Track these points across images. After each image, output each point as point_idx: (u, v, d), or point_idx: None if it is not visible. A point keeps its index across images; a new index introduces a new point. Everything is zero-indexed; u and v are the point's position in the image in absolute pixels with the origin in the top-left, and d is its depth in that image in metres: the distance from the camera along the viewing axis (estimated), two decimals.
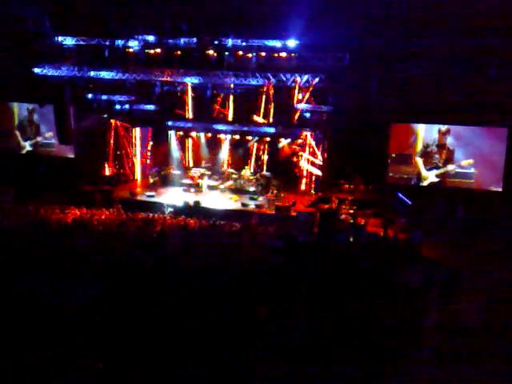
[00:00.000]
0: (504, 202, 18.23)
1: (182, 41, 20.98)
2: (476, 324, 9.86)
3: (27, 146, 24.00)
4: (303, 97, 20.46)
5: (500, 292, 11.14)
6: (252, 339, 8.68)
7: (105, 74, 21.63)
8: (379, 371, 8.14)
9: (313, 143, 20.78)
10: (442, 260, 13.16)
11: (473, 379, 8.14)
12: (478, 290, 11.27)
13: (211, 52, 20.57)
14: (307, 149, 20.92)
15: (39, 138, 23.73)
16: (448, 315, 10.48)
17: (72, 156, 23.11)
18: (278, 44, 20.22)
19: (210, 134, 22.62)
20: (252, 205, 18.85)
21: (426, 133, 19.69)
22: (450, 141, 19.36)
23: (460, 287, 11.19)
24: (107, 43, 21.44)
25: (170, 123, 23.01)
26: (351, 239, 14.67)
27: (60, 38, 21.84)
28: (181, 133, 23.11)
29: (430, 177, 19.69)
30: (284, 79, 20.12)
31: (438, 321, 10.36)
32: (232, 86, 21.62)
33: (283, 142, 21.61)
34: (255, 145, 22.25)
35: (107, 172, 22.91)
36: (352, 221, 17.13)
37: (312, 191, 20.81)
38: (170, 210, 18.17)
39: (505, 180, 18.86)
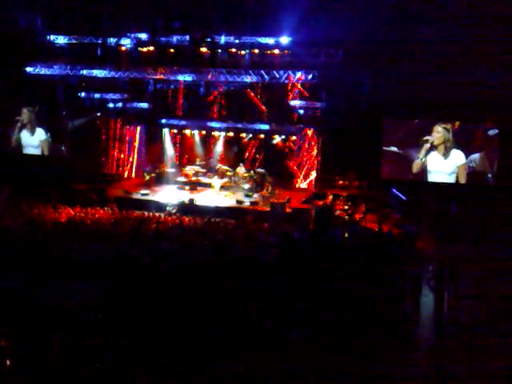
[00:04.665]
0: (497, 195, 18.33)
1: (175, 38, 20.97)
2: (469, 316, 9.95)
3: (22, 146, 23.79)
4: (297, 93, 20.48)
5: (494, 285, 11.24)
6: (249, 335, 8.71)
7: (97, 73, 21.55)
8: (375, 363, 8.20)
9: None
10: (436, 254, 13.24)
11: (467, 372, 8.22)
12: (471, 283, 11.36)
13: (204, 49, 20.55)
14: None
15: (34, 138, 23.55)
16: (442, 308, 10.58)
17: (66, 155, 23.00)
18: (270, 41, 20.24)
19: (204, 132, 22.62)
20: (247, 202, 18.86)
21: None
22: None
23: (454, 281, 11.26)
24: (99, 41, 21.39)
25: (163, 121, 22.98)
26: (346, 235, 14.72)
27: (52, 37, 21.75)
28: (175, 130, 23.11)
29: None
30: (277, 76, 20.13)
31: (432, 313, 10.46)
32: (225, 83, 21.65)
33: (277, 139, 21.64)
34: (249, 142, 22.29)
35: (101, 170, 22.83)
36: (347, 217, 17.18)
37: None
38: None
39: (498, 174, 18.96)
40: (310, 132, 20.57)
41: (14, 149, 23.57)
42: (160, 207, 18.33)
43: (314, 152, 20.66)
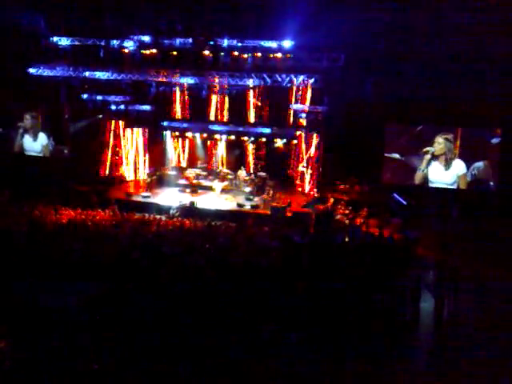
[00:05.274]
0: (498, 200, 18.33)
1: (178, 41, 21.00)
2: (469, 322, 9.94)
3: (24, 151, 23.78)
4: (299, 97, 20.49)
5: (494, 291, 11.22)
6: (250, 339, 8.70)
7: (100, 75, 21.57)
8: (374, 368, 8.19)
9: None
10: (436, 259, 13.21)
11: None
12: (472, 288, 11.34)
13: (207, 52, 20.58)
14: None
15: (36, 143, 23.57)
16: (442, 313, 10.55)
17: (67, 157, 23.03)
18: (273, 45, 20.27)
19: (205, 135, 22.65)
20: (248, 205, 18.86)
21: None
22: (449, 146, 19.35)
23: (454, 286, 11.24)
24: (102, 43, 21.42)
25: (165, 123, 23.00)
26: (347, 239, 14.69)
27: (55, 39, 21.80)
28: (176, 133, 23.13)
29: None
30: (279, 80, 20.15)
31: (432, 319, 10.44)
32: (227, 86, 21.70)
33: (279, 143, 21.65)
34: (251, 145, 22.31)
35: (102, 172, 22.84)
36: (347, 221, 17.17)
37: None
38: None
39: (499, 179, 18.95)
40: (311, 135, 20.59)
41: (16, 153, 23.66)
42: (161, 210, 18.32)
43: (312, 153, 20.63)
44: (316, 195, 20.27)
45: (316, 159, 20.64)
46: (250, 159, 22.62)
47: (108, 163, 22.94)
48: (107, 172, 22.87)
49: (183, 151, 23.78)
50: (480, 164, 19.12)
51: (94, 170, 22.55)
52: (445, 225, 16.62)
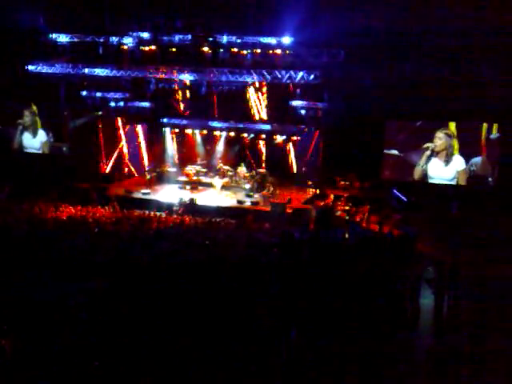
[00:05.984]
0: (497, 196, 18.32)
1: (177, 38, 20.98)
2: (469, 319, 9.95)
3: (24, 148, 23.76)
4: (298, 94, 20.47)
5: (494, 288, 11.23)
6: (250, 337, 8.71)
7: (99, 71, 21.55)
8: (374, 365, 8.20)
9: None
10: (436, 256, 13.22)
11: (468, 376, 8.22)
12: (471, 285, 11.36)
13: (206, 49, 20.56)
14: None
15: (35, 140, 23.55)
16: (442, 310, 10.57)
17: (67, 154, 23.02)
18: (272, 41, 20.24)
19: (205, 131, 22.63)
20: (248, 202, 18.87)
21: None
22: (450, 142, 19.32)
23: (454, 283, 11.25)
24: (101, 40, 21.39)
25: (165, 120, 22.99)
26: (347, 235, 14.70)
27: (54, 35, 21.78)
28: (176, 130, 23.13)
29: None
30: (279, 76, 20.12)
31: (431, 315, 10.46)
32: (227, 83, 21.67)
33: (279, 139, 21.64)
34: (251, 142, 22.31)
35: (102, 169, 22.84)
36: (347, 217, 17.18)
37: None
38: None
39: (498, 175, 18.94)
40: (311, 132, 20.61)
41: (16, 150, 23.65)
42: (161, 206, 18.33)
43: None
44: (316, 191, 20.26)
45: (316, 155, 20.64)
46: (250, 156, 22.61)
47: (108, 160, 22.95)
48: (107, 169, 22.88)
49: (183, 148, 23.78)
50: (478, 159, 19.10)
51: (94, 166, 22.54)
52: (444, 221, 16.63)
